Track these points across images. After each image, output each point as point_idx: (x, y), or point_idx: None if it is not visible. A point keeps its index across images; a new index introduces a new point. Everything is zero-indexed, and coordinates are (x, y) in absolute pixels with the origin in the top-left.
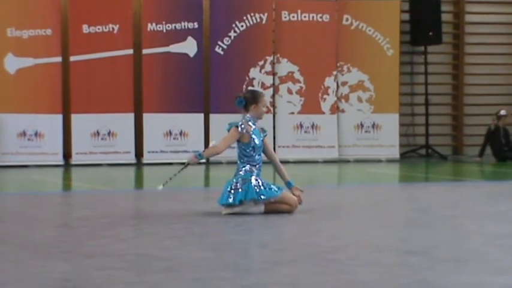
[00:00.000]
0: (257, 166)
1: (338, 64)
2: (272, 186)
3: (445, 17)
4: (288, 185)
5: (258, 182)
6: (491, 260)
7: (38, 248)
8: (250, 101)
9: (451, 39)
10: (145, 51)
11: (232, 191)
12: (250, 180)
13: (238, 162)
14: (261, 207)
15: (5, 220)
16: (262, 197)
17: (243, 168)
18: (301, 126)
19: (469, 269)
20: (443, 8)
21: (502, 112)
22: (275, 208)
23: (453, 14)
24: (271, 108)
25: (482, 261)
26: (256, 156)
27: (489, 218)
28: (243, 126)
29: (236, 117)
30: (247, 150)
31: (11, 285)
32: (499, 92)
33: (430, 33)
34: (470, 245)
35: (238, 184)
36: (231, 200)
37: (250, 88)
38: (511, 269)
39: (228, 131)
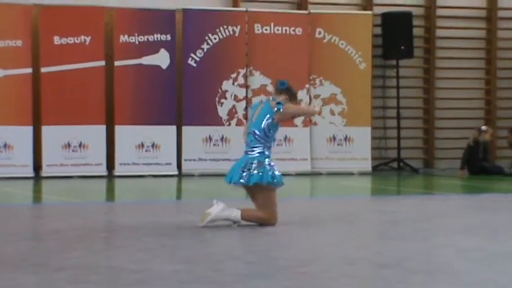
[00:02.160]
0: (271, 149)
1: (311, 77)
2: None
3: (416, 32)
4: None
5: (272, 166)
6: (462, 273)
7: (7, 261)
8: (290, 91)
9: (422, 53)
10: (117, 63)
11: (246, 172)
12: (265, 163)
13: (252, 137)
14: (238, 215)
15: None
16: (275, 181)
17: (257, 148)
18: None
19: (441, 282)
20: (415, 22)
21: (483, 128)
22: (252, 216)
23: (424, 29)
24: (244, 121)
25: (453, 274)
26: (272, 140)
27: (460, 231)
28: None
29: (210, 130)
30: (271, 132)
31: None
32: (470, 106)
33: (402, 48)
34: (441, 258)
35: (253, 165)
36: (243, 181)
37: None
38: (481, 282)
39: (277, 111)
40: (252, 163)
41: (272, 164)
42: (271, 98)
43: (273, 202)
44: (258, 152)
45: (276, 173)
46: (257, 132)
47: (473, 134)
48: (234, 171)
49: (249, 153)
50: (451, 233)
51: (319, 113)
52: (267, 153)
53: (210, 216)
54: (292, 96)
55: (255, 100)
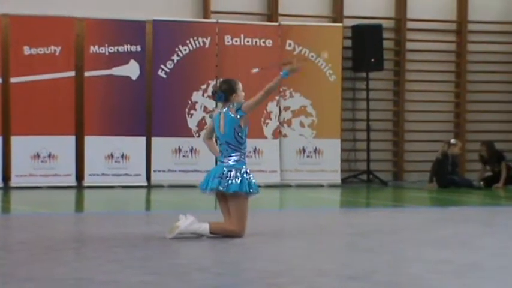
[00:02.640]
0: (245, 154)
1: (281, 89)
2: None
3: (386, 44)
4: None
5: (249, 175)
6: (431, 285)
7: None
8: (229, 91)
9: (392, 66)
10: (87, 73)
11: (224, 180)
12: (243, 171)
13: (226, 147)
14: (206, 229)
15: None
16: (251, 190)
17: (233, 156)
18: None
19: None
20: (385, 35)
21: (453, 141)
22: (221, 229)
23: (394, 41)
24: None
25: (422, 286)
26: (245, 144)
27: (429, 244)
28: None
29: (179, 141)
30: (243, 137)
31: None
32: (439, 119)
33: (372, 60)
34: (410, 270)
35: (231, 173)
36: (222, 188)
37: (223, 79)
38: None
39: (240, 118)
40: (230, 171)
41: (248, 172)
42: (225, 109)
43: (245, 212)
44: (235, 160)
45: (253, 181)
46: (230, 142)
47: (442, 147)
48: (210, 178)
49: (225, 161)
50: (420, 246)
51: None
52: (243, 159)
53: (178, 229)
54: (234, 90)
55: (216, 111)
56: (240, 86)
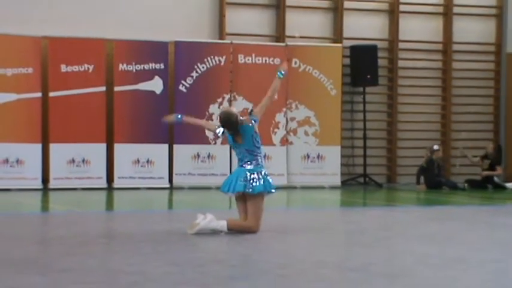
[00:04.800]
0: (262, 158)
1: (287, 102)
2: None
3: (381, 62)
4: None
5: (267, 176)
6: (421, 276)
7: (17, 263)
8: (235, 130)
9: (386, 81)
10: (116, 88)
11: (250, 182)
12: (263, 173)
13: (246, 154)
14: (224, 226)
15: None
16: (273, 190)
17: (254, 160)
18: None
19: (401, 284)
20: (380, 54)
21: (435, 147)
22: (237, 225)
23: (388, 60)
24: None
25: (412, 277)
26: (261, 147)
27: (418, 239)
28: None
29: (198, 148)
30: (259, 141)
31: None
32: (428, 128)
33: (368, 76)
34: (402, 263)
35: (254, 176)
36: (248, 190)
37: (221, 113)
38: (438, 284)
39: (256, 121)
40: (252, 174)
41: (267, 173)
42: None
43: (261, 211)
44: (255, 164)
45: (271, 181)
46: (249, 148)
47: (426, 154)
48: (233, 182)
49: (246, 166)
50: (411, 241)
51: (287, 64)
52: (261, 163)
53: (199, 226)
54: (237, 123)
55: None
56: (236, 115)
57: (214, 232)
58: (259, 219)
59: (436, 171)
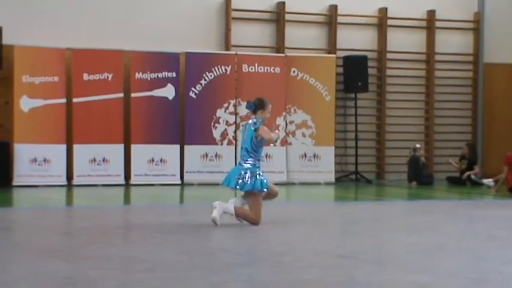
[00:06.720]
0: (259, 160)
1: (286, 107)
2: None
3: (371, 71)
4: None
5: (261, 176)
6: (406, 262)
7: (44, 251)
8: (258, 106)
9: (375, 88)
10: (133, 94)
11: (241, 180)
12: (256, 173)
13: (245, 153)
14: (232, 210)
15: (18, 229)
16: (265, 189)
17: (249, 160)
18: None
19: (388, 270)
20: (370, 64)
21: (418, 145)
22: (243, 214)
23: (377, 69)
24: (234, 141)
25: (399, 263)
26: (261, 152)
27: (404, 230)
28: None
29: (206, 148)
30: (259, 146)
31: (23, 281)
32: (412, 130)
33: (359, 84)
34: (389, 251)
35: (247, 175)
36: (238, 187)
37: (259, 97)
38: (421, 270)
39: (255, 130)
40: (245, 173)
41: (261, 173)
42: (250, 121)
43: (259, 206)
44: (251, 164)
45: (265, 181)
46: (248, 148)
47: (410, 153)
48: (231, 177)
49: (243, 164)
50: (397, 231)
51: (275, 141)
52: (257, 165)
53: (216, 209)
54: (263, 107)
55: (243, 123)
56: (269, 107)
57: (223, 222)
58: (259, 213)
59: (421, 167)
